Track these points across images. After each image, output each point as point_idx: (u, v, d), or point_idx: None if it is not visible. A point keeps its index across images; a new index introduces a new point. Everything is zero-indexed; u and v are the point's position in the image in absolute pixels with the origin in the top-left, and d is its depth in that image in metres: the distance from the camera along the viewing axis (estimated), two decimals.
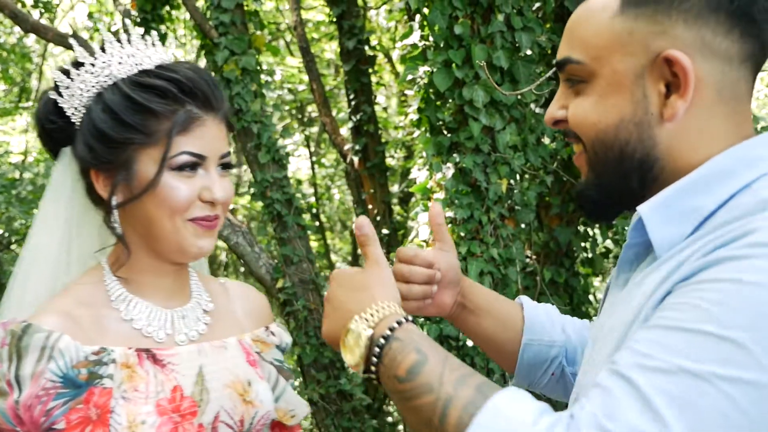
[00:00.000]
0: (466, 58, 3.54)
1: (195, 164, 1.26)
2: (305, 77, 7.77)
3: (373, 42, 6.99)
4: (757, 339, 0.82)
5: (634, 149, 1.04)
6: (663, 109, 1.02)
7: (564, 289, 4.40)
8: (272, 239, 5.49)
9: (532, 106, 3.95)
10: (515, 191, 3.80)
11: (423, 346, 1.02)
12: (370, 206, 6.54)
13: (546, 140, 4.10)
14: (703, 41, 1.00)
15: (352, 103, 6.47)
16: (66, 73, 1.30)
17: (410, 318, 1.08)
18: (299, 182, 8.84)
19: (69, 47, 5.27)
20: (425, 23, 3.63)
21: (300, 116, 9.86)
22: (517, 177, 3.83)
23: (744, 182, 0.98)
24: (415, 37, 3.72)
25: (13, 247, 7.18)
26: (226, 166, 1.31)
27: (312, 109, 9.78)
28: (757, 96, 9.10)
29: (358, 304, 1.10)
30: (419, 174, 3.96)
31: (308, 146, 9.22)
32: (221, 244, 9.26)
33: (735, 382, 0.82)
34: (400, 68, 6.81)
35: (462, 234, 3.64)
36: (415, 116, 3.87)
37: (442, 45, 3.59)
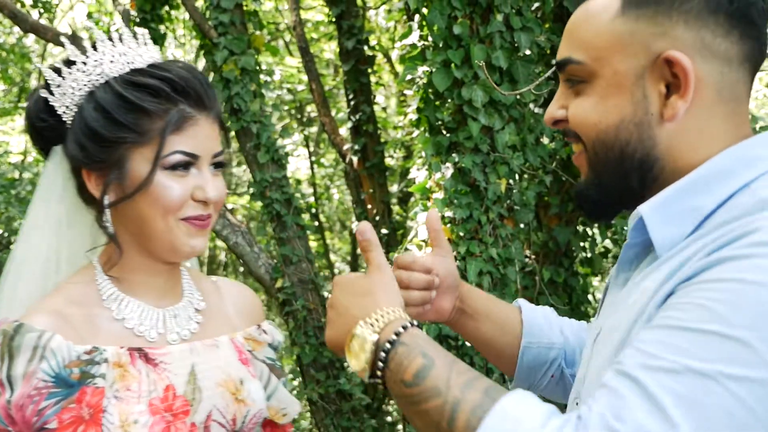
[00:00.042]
0: (465, 58, 3.54)
1: (188, 163, 1.25)
2: (304, 77, 7.77)
3: (373, 42, 6.99)
4: (762, 337, 0.83)
5: (634, 149, 1.04)
6: (663, 109, 1.03)
7: (563, 288, 4.40)
8: (271, 239, 5.49)
9: (531, 106, 3.95)
10: (514, 191, 3.81)
11: (429, 350, 1.02)
12: (369, 206, 6.54)
13: (545, 140, 4.10)
14: (702, 42, 1.00)
15: (352, 103, 6.47)
16: (57, 71, 1.29)
17: (415, 323, 1.08)
18: (298, 182, 8.83)
19: None
20: (424, 23, 3.63)
21: (299, 116, 9.86)
22: (516, 177, 3.83)
23: (743, 182, 0.99)
24: (414, 37, 3.72)
25: (12, 247, 7.17)
26: (218, 165, 1.30)
27: (311, 109, 9.78)
28: (755, 96, 9.11)
29: (362, 309, 1.11)
30: (418, 174, 3.96)
31: (307, 146, 9.22)
32: (221, 244, 9.27)
33: (741, 381, 0.83)
34: (399, 68, 6.81)
35: (461, 234, 3.65)
36: (414, 116, 3.87)
37: (441, 45, 3.59)
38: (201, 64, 8.01)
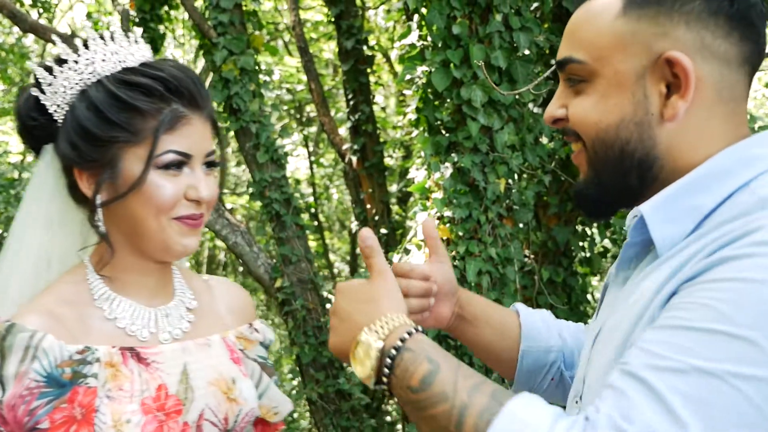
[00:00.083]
0: (464, 58, 3.54)
1: (181, 163, 1.25)
2: (304, 77, 7.78)
3: (372, 42, 7.00)
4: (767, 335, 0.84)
5: (634, 148, 1.05)
6: (663, 109, 1.03)
7: (562, 288, 4.41)
8: (271, 239, 5.50)
9: (530, 105, 3.96)
10: (513, 191, 3.81)
11: (434, 355, 1.03)
12: (368, 206, 6.54)
13: (544, 140, 4.11)
14: (703, 43, 1.01)
15: (351, 102, 6.47)
16: (49, 69, 1.28)
17: (420, 328, 1.08)
18: (298, 182, 8.83)
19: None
20: (423, 23, 3.63)
21: (298, 116, 9.86)
22: (515, 176, 3.83)
23: (742, 181, 1.00)
24: (413, 37, 3.72)
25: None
26: (210, 165, 1.30)
27: (310, 109, 9.79)
28: (754, 96, 9.12)
29: (366, 316, 1.11)
30: (417, 173, 3.96)
31: (307, 146, 9.22)
32: (220, 243, 9.26)
33: (748, 380, 0.84)
34: (398, 68, 6.80)
35: (460, 233, 3.65)
36: (413, 116, 3.87)
37: (440, 45, 3.59)
38: (200, 63, 8.01)
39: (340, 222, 11.31)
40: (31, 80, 1.32)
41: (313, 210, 8.44)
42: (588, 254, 4.56)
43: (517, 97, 3.62)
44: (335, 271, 10.08)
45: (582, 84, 1.09)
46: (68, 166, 1.28)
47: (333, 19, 6.42)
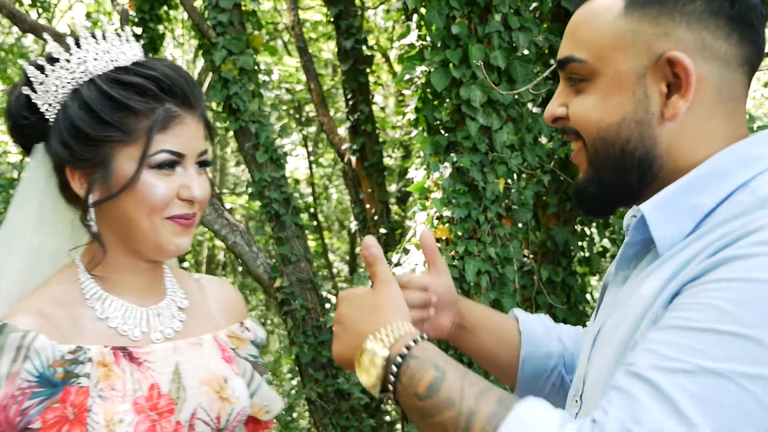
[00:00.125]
0: (463, 58, 3.54)
1: (174, 162, 1.25)
2: (303, 77, 7.78)
3: (371, 42, 7.00)
4: None
5: (634, 147, 1.05)
6: (664, 108, 1.04)
7: (561, 288, 4.41)
8: (270, 239, 5.50)
9: (530, 105, 3.96)
10: (512, 190, 3.81)
11: (440, 362, 1.03)
12: (367, 206, 6.54)
13: (543, 140, 4.10)
14: (703, 44, 1.02)
15: (350, 102, 6.47)
16: (40, 68, 1.27)
17: (425, 336, 1.08)
18: (297, 182, 8.83)
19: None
20: (422, 23, 3.63)
21: (298, 116, 9.87)
22: (515, 176, 3.83)
23: (741, 180, 1.00)
24: (412, 37, 3.72)
25: None
26: (203, 164, 1.30)
27: (310, 109, 9.79)
28: (752, 96, 9.13)
29: (371, 324, 1.11)
30: (417, 173, 3.96)
31: (306, 146, 9.23)
32: (219, 243, 9.26)
33: (756, 379, 0.84)
34: (397, 68, 6.81)
35: (459, 233, 3.65)
36: (412, 116, 3.87)
37: (439, 45, 3.59)
38: (199, 63, 8.01)
39: (339, 222, 11.32)
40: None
41: (312, 210, 8.44)
42: (587, 254, 4.56)
43: (516, 97, 3.62)
44: (334, 270, 10.09)
45: (583, 83, 1.09)
46: (60, 166, 1.27)
47: (332, 19, 6.42)
